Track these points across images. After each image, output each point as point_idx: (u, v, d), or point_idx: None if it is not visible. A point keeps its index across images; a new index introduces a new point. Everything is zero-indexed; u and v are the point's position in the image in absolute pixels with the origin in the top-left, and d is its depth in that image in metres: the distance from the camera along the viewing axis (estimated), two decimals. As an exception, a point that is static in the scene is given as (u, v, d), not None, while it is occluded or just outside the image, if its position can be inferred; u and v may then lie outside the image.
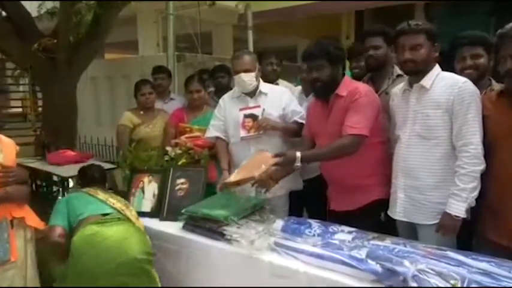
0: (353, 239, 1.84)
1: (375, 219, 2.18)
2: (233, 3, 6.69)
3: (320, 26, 6.50)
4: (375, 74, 2.65)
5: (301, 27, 6.88)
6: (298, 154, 2.12)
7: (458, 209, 1.87)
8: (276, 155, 2.16)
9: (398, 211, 2.09)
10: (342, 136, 2.12)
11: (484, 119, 1.92)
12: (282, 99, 2.64)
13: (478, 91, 1.94)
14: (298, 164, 2.12)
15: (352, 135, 2.10)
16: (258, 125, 2.52)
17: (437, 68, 2.03)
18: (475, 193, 1.87)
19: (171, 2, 4.99)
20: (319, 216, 2.24)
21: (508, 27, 1.80)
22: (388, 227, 2.07)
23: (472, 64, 2.19)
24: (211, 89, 3.69)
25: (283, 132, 2.64)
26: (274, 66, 3.18)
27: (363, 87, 2.27)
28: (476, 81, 2.06)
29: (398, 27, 2.04)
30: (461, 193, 1.87)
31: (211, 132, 2.73)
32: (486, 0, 5.37)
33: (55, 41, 4.11)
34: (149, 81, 3.59)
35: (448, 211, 1.90)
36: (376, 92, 2.58)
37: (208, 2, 5.67)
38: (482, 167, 1.88)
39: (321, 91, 2.30)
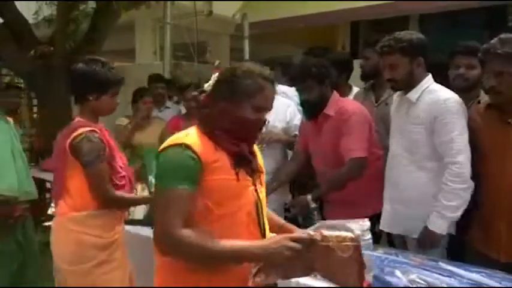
0: (345, 248, 1.83)
1: None
2: (230, 13, 6.74)
3: (316, 36, 6.54)
4: (375, 83, 2.65)
5: (298, 37, 6.92)
6: (309, 197, 2.16)
7: (439, 225, 1.85)
8: (291, 205, 2.19)
9: (383, 222, 2.09)
10: (344, 161, 2.13)
11: (473, 131, 1.87)
12: (286, 112, 2.66)
13: (462, 106, 1.88)
14: (313, 205, 2.16)
15: (353, 160, 2.11)
16: (262, 138, 2.52)
17: (427, 80, 1.96)
18: (458, 213, 1.83)
19: (168, 12, 5.02)
20: None
21: (492, 42, 1.73)
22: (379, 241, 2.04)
23: (463, 73, 2.12)
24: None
25: (284, 145, 2.64)
26: None
27: (350, 105, 2.26)
28: (466, 91, 2.04)
29: (378, 45, 2.00)
30: (442, 210, 1.84)
31: None
32: (480, 13, 5.43)
33: (52, 48, 4.12)
34: (150, 90, 3.60)
35: (428, 226, 1.87)
36: (376, 101, 2.59)
37: (205, 12, 5.72)
38: (465, 185, 1.82)
39: (311, 112, 2.30)
